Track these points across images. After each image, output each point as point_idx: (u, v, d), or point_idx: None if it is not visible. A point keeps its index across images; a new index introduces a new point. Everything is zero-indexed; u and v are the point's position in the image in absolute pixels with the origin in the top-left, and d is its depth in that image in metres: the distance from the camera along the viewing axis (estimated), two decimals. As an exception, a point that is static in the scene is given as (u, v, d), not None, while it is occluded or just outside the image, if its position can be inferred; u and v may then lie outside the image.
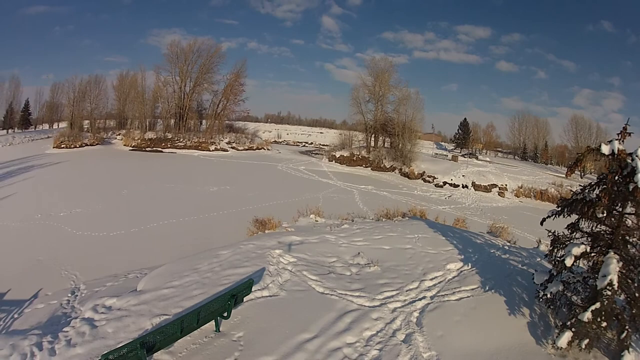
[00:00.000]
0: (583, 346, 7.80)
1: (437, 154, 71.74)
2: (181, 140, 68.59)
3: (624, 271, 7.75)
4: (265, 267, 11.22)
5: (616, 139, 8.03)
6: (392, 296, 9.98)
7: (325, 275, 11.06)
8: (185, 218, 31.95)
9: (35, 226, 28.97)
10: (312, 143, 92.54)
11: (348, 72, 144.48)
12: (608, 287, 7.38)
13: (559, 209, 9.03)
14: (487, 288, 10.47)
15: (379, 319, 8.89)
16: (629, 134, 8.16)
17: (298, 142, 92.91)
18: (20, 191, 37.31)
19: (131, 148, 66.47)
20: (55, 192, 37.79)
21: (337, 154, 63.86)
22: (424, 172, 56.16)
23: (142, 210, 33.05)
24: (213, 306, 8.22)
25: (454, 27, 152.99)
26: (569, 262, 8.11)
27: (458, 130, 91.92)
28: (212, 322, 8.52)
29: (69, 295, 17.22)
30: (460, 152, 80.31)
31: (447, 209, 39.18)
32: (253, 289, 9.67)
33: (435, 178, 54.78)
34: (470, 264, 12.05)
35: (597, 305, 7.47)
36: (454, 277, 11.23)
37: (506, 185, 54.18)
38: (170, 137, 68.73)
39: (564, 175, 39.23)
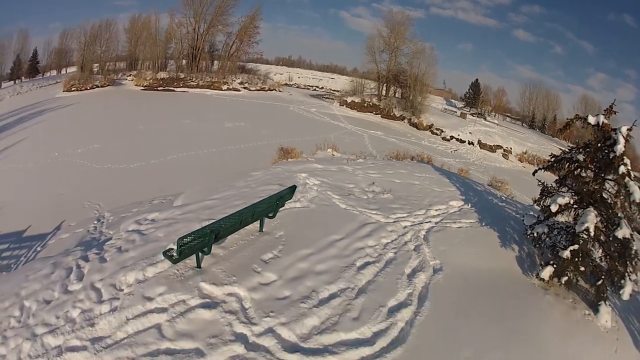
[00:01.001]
0: (563, 282, 9.14)
1: (446, 109, 72.13)
2: (194, 79, 68.75)
3: (601, 227, 9.17)
4: (294, 185, 12.24)
5: (602, 114, 9.57)
6: (403, 217, 11.36)
7: (346, 196, 12.47)
8: (204, 150, 32.92)
9: (53, 164, 29.40)
10: (322, 88, 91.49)
11: (362, 21, 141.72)
12: (584, 232, 8.74)
13: (550, 163, 10.55)
14: (483, 224, 11.77)
15: (392, 232, 10.32)
16: (615, 112, 9.72)
17: (309, 85, 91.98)
18: (33, 134, 37.16)
19: (143, 88, 66.30)
20: (70, 132, 37.78)
21: (349, 100, 64.35)
22: (433, 124, 56.92)
23: (160, 144, 33.77)
24: (262, 206, 9.29)
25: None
26: (554, 208, 9.62)
27: (469, 89, 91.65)
28: (256, 224, 9.56)
29: (95, 222, 17.49)
30: (469, 111, 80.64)
31: (451, 162, 39.84)
32: (285, 203, 10.75)
33: (442, 131, 55.48)
34: (470, 204, 13.34)
35: (575, 246, 8.87)
36: (455, 212, 12.54)
37: (511, 148, 54.62)
38: (182, 76, 68.83)
39: (567, 149, 39.61)
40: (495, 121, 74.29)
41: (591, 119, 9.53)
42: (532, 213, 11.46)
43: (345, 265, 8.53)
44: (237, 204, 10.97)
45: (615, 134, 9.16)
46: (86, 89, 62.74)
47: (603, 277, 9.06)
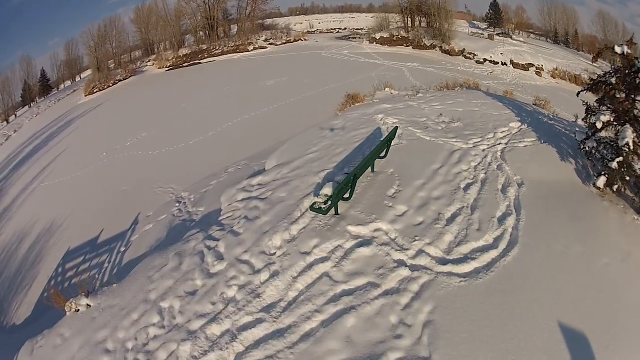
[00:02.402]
0: (614, 190, 10.47)
1: (473, 32, 70.97)
2: (217, 48, 67.94)
3: (638, 142, 10.16)
4: (379, 127, 13.48)
5: (625, 45, 10.62)
6: (479, 142, 12.45)
7: (425, 129, 13.47)
8: (257, 112, 32.14)
9: (105, 164, 27.84)
10: (345, 28, 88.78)
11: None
12: (626, 146, 10.01)
13: (589, 86, 11.70)
14: (542, 141, 12.76)
15: (476, 155, 11.51)
16: (635, 43, 10.83)
17: (331, 29, 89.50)
18: (71, 144, 35.51)
19: (167, 68, 66.04)
20: (109, 130, 36.04)
21: (377, 36, 63.29)
22: (464, 49, 56.03)
23: (210, 116, 32.79)
24: (377, 149, 10.30)
25: None
26: (599, 125, 10.80)
27: (489, 10, 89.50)
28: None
29: (177, 205, 16.78)
30: (494, 32, 79.22)
31: (491, 84, 37.53)
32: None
33: (475, 55, 54.62)
34: (526, 124, 14.16)
35: (620, 159, 10.14)
36: (516, 133, 13.43)
37: (543, 65, 53.44)
38: (205, 48, 68.14)
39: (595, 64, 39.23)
40: (522, 39, 72.87)
41: (617, 49, 10.61)
42: (579, 130, 12.71)
43: (454, 189, 9.82)
44: (339, 151, 11.89)
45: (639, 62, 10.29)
46: (109, 86, 62.10)
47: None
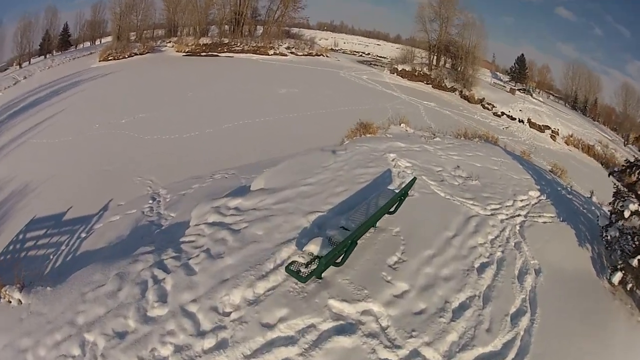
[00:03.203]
0: (628, 289, 9.19)
1: (495, 83, 70.43)
2: (238, 44, 67.11)
3: None
4: (389, 169, 11.94)
5: None
6: (497, 209, 10.98)
7: (440, 182, 11.97)
8: (262, 118, 31.16)
9: (95, 137, 27.14)
10: (369, 54, 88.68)
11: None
12: None
13: (623, 168, 10.63)
14: (561, 219, 11.45)
15: (494, 226, 9.97)
16: None
17: (355, 51, 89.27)
18: (71, 106, 34.69)
19: (185, 54, 65.15)
20: (111, 101, 35.32)
21: (399, 68, 62.51)
22: (484, 98, 55.12)
23: (213, 111, 31.96)
24: (385, 202, 8.55)
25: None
26: (626, 213, 9.62)
27: (514, 64, 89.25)
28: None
29: (150, 202, 16.12)
30: (515, 86, 78.78)
31: (506, 140, 37.50)
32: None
33: (494, 106, 53.66)
34: (545, 195, 12.92)
35: None
36: (535, 204, 12.12)
37: (558, 129, 52.52)
38: (226, 41, 67.35)
39: (609, 136, 38.88)
40: (541, 99, 72.36)
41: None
42: (602, 214, 11.43)
43: (466, 269, 8.20)
44: (339, 190, 10.22)
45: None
46: (124, 57, 61.78)
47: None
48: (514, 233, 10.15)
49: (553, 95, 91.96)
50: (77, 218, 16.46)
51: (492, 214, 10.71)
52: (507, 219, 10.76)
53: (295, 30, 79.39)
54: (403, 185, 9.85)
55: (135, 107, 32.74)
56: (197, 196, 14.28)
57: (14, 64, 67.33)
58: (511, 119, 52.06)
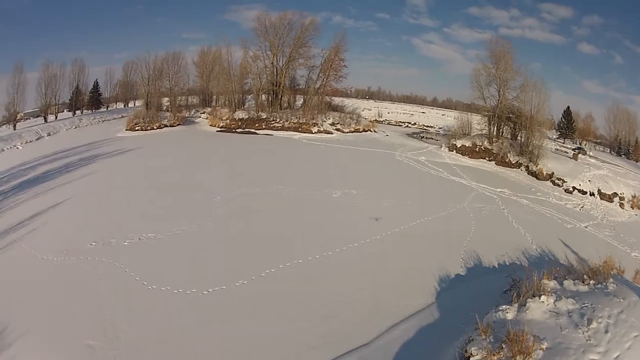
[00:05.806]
0: None
1: (557, 149, 63.13)
2: (278, 120, 62.75)
3: None
4: None
5: None
6: None
7: None
8: (322, 254, 21.98)
9: (82, 265, 19.88)
10: (415, 123, 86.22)
11: (434, 47, 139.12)
12: None
13: None
14: None
15: None
16: None
17: (400, 122, 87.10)
18: (74, 197, 29.62)
19: (219, 129, 61.64)
20: (122, 199, 29.39)
21: (458, 144, 56.78)
22: (553, 173, 48.29)
23: (251, 242, 23.18)
24: None
25: (538, 5, 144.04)
26: None
27: (562, 118, 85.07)
28: None
29: None
30: (564, 143, 74.25)
31: (589, 228, 32.45)
32: None
33: (564, 181, 46.79)
34: None
35: None
36: None
37: (623, 194, 44.91)
38: (264, 116, 62.93)
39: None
40: (591, 153, 66.43)
41: None
42: None
43: None
44: None
45: None
46: (152, 128, 59.12)
47: None
48: None
49: (598, 144, 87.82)
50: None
51: None
52: None
53: (337, 100, 76.22)
54: None
55: (147, 216, 26.00)
56: None
57: (41, 115, 67.25)
58: (582, 194, 45.81)
